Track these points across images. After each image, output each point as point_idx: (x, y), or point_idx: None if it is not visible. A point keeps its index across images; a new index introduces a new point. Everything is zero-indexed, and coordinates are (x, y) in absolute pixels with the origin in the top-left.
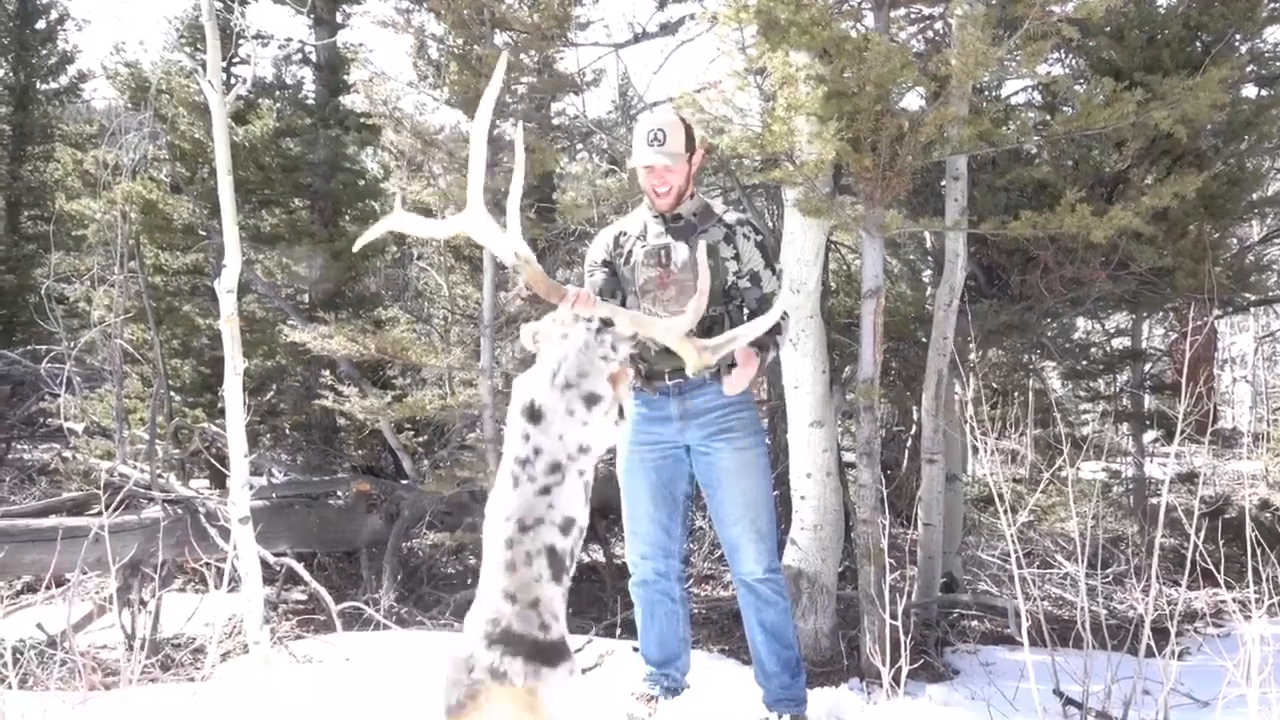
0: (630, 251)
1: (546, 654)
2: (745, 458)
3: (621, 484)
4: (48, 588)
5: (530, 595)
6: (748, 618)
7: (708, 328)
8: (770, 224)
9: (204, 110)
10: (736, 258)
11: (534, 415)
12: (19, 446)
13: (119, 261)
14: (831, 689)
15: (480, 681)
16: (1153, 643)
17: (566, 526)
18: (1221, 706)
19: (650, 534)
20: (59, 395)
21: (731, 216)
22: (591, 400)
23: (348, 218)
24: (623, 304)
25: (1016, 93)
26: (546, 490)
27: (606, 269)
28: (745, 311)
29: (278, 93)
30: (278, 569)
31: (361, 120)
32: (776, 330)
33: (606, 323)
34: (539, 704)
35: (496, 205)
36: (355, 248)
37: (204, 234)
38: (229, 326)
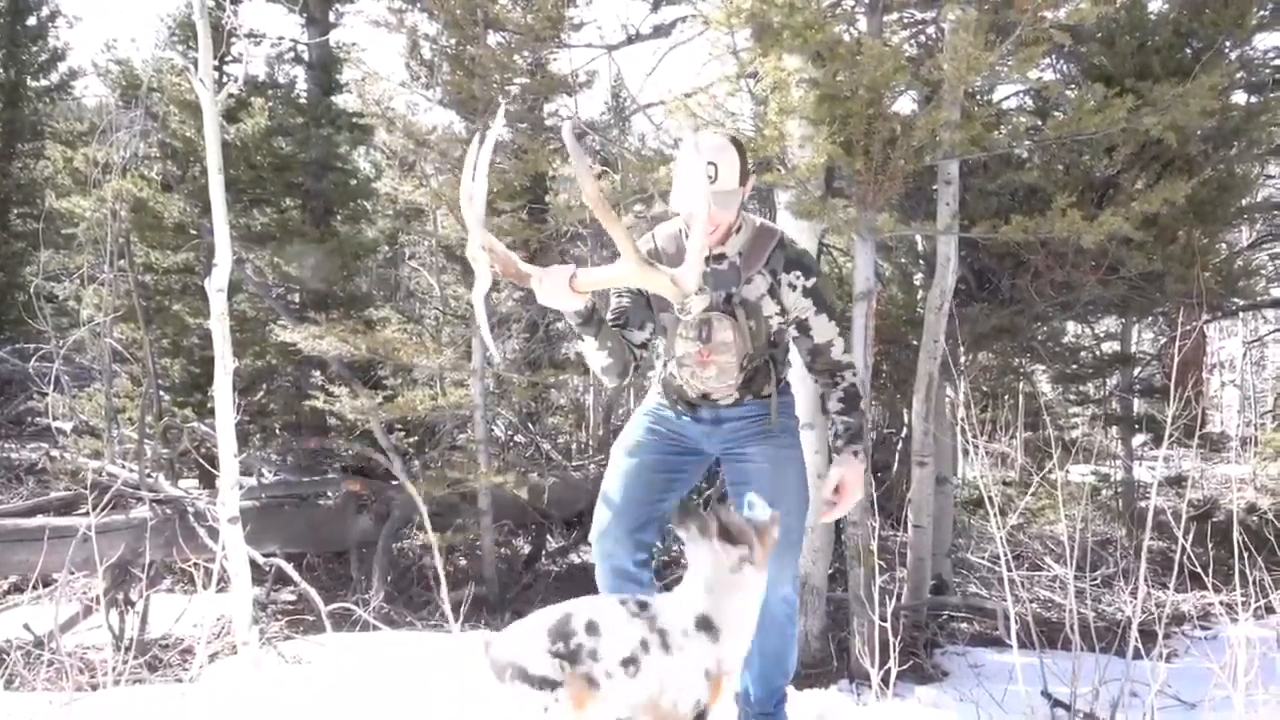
0: (667, 300)
1: None
2: (783, 455)
3: (613, 460)
4: (34, 588)
5: None
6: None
7: (750, 376)
8: None
9: (195, 108)
10: (781, 311)
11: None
12: (7, 445)
13: (109, 260)
14: (821, 690)
15: None
16: (1140, 645)
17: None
18: (1208, 708)
19: (620, 512)
20: (47, 394)
21: (780, 258)
22: (704, 624)
23: (339, 217)
24: (648, 330)
25: (1008, 97)
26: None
27: (635, 295)
28: (789, 359)
29: (270, 91)
30: (267, 569)
31: (354, 120)
32: (858, 401)
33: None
34: None
35: (489, 206)
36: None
37: (195, 233)
38: (219, 325)
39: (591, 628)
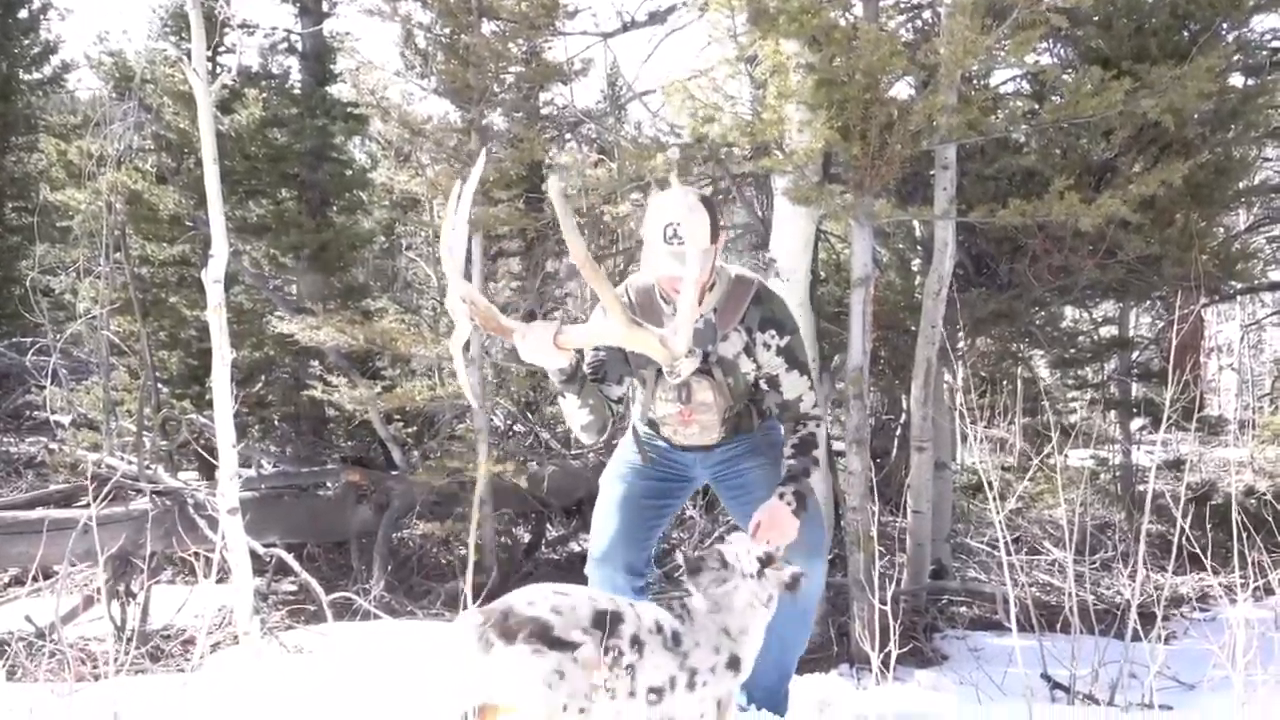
0: (645, 357)
1: None
2: (777, 454)
3: (603, 487)
4: (34, 580)
5: None
6: None
7: (734, 423)
8: (760, 213)
9: (189, 99)
10: (757, 367)
11: (675, 638)
12: (6, 440)
13: (105, 252)
14: (821, 675)
15: None
16: (1139, 627)
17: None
18: (1207, 688)
19: (616, 541)
20: (45, 387)
21: (756, 316)
22: (733, 665)
23: (335, 208)
24: (625, 385)
25: (1005, 82)
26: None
27: (612, 349)
28: (767, 410)
29: (264, 82)
30: (268, 560)
31: (348, 110)
32: (811, 446)
33: (765, 560)
34: None
35: (485, 195)
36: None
37: (190, 225)
38: (216, 316)
39: (636, 641)
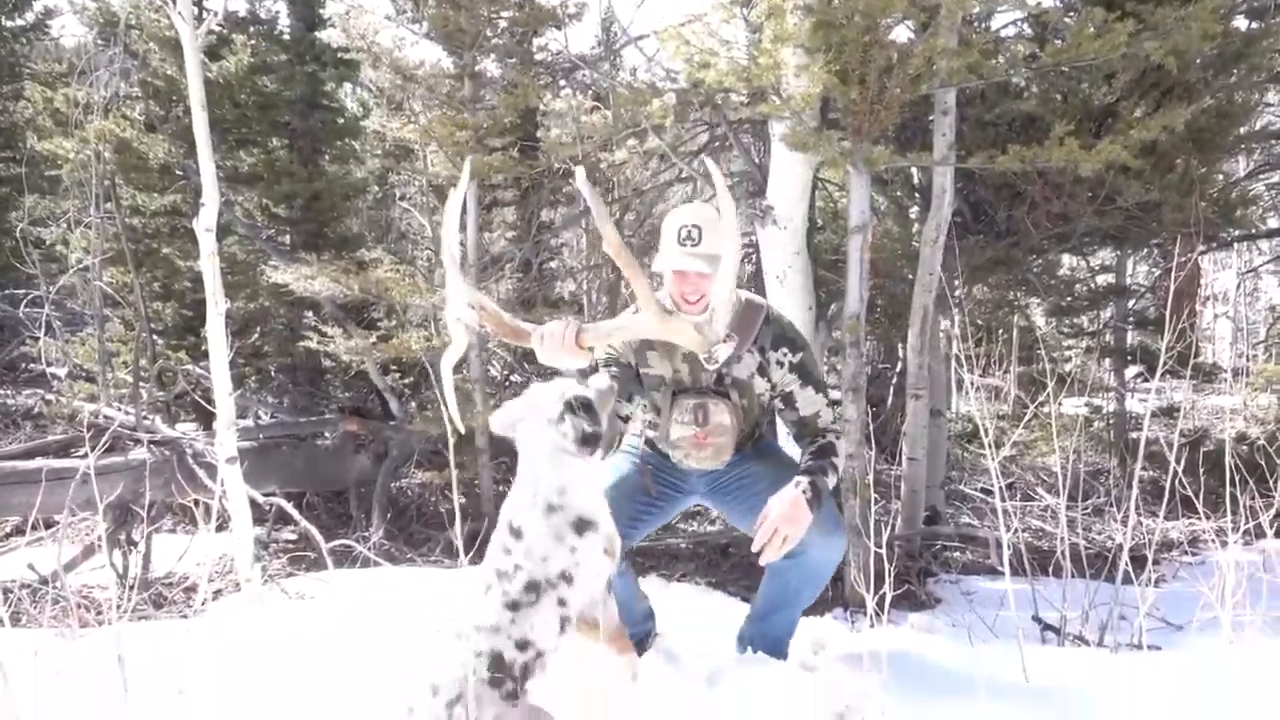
0: (659, 379)
1: None
2: (782, 458)
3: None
4: (34, 529)
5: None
6: (778, 578)
7: (748, 436)
8: (756, 160)
9: (176, 45)
10: (771, 387)
11: (516, 534)
12: (2, 391)
13: (95, 202)
14: (817, 618)
15: None
16: (1130, 570)
17: (523, 645)
18: (1195, 629)
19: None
20: (40, 339)
21: (768, 335)
22: (581, 526)
23: (327, 157)
24: (635, 403)
25: (1006, 25)
26: (514, 606)
27: (624, 368)
28: (782, 427)
29: (252, 28)
30: (267, 508)
31: (339, 56)
32: (830, 452)
33: (573, 407)
34: None
35: (480, 142)
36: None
37: (181, 174)
38: (209, 265)
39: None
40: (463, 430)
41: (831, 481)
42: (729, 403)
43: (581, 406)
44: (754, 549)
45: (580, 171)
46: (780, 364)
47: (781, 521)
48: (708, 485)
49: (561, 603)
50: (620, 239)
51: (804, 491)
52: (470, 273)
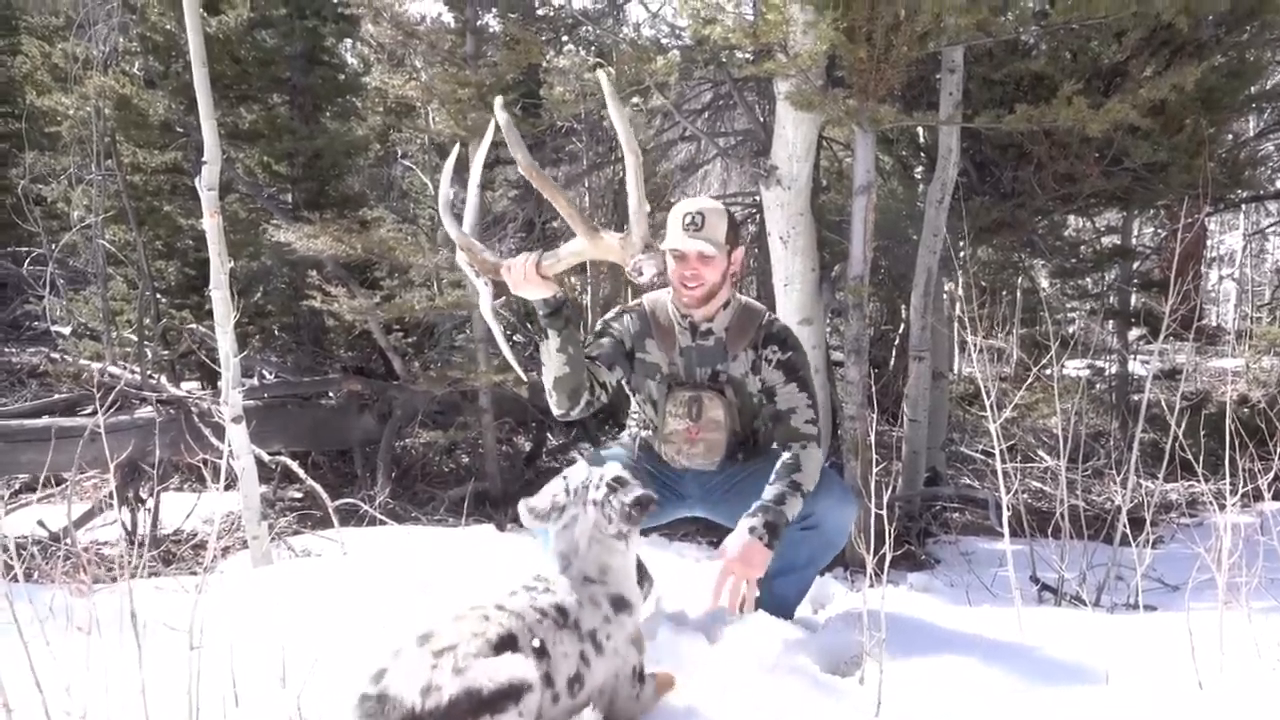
0: (655, 367)
1: None
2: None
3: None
4: (43, 486)
5: None
6: (792, 545)
7: (740, 442)
8: (761, 119)
9: None
10: (763, 388)
11: (561, 613)
12: (7, 350)
13: (96, 160)
14: (818, 577)
15: None
16: (1129, 532)
17: (540, 652)
18: (1191, 589)
19: None
20: (44, 297)
21: (762, 335)
22: (619, 605)
23: (328, 114)
24: (617, 373)
25: None
26: (543, 614)
27: (615, 342)
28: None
29: None
30: (273, 467)
31: (339, 10)
32: (794, 469)
33: (614, 485)
34: None
35: (483, 100)
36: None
37: (181, 130)
38: (212, 223)
39: (541, 650)
40: (525, 377)
41: (796, 507)
42: (723, 399)
43: (620, 483)
44: (710, 599)
45: (498, 103)
46: (769, 360)
47: (736, 567)
48: (701, 490)
49: (584, 659)
50: (532, 161)
51: (760, 538)
52: (472, 232)
